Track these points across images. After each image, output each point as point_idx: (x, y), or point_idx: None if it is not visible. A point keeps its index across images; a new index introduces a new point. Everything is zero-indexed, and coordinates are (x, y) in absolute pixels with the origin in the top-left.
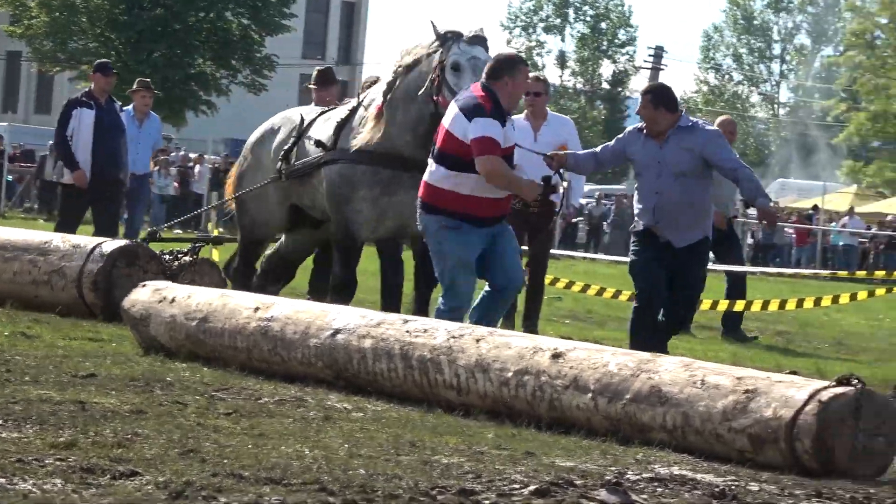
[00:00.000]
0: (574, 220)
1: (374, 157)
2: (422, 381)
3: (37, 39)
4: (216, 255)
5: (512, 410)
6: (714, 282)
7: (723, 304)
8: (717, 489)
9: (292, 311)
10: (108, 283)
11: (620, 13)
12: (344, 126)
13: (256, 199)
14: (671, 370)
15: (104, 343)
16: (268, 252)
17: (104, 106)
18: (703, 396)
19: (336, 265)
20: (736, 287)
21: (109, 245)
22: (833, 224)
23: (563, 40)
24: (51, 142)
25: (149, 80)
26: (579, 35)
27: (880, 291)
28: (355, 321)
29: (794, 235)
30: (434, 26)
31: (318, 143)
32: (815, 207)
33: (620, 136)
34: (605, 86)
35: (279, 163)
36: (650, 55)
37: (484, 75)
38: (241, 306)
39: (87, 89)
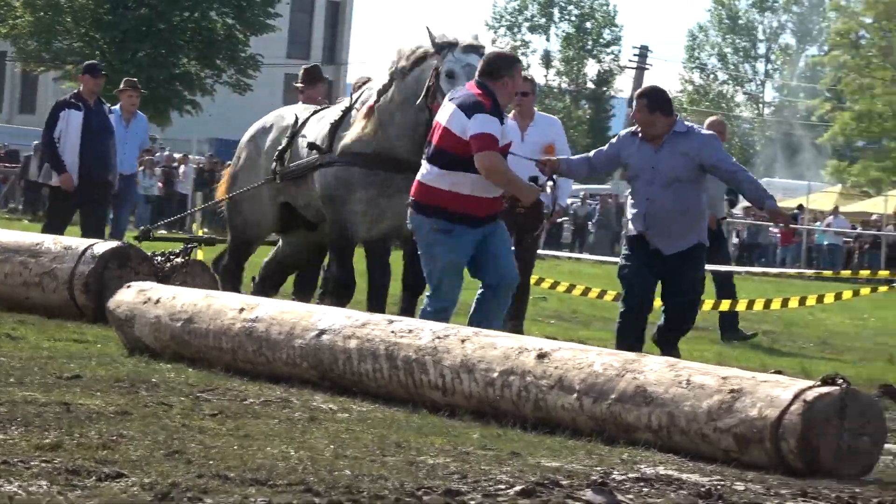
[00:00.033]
0: (559, 220)
1: (369, 160)
2: (407, 382)
3: (21, 39)
4: (200, 254)
5: (497, 411)
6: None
7: (707, 305)
8: (702, 489)
9: (277, 312)
10: (100, 285)
11: (605, 13)
12: (338, 128)
13: (250, 199)
14: (656, 370)
15: (89, 344)
16: (265, 259)
17: (93, 108)
18: (688, 396)
19: (333, 267)
20: (724, 287)
21: (101, 247)
22: (818, 223)
23: (547, 40)
24: (35, 142)
25: (135, 79)
26: (564, 35)
27: (865, 291)
28: (340, 322)
29: (778, 235)
30: (430, 32)
31: (313, 146)
32: (800, 207)
33: (614, 139)
34: (590, 85)
35: (273, 163)
36: (635, 55)
37: (480, 74)
38: (225, 307)
39: (75, 91)
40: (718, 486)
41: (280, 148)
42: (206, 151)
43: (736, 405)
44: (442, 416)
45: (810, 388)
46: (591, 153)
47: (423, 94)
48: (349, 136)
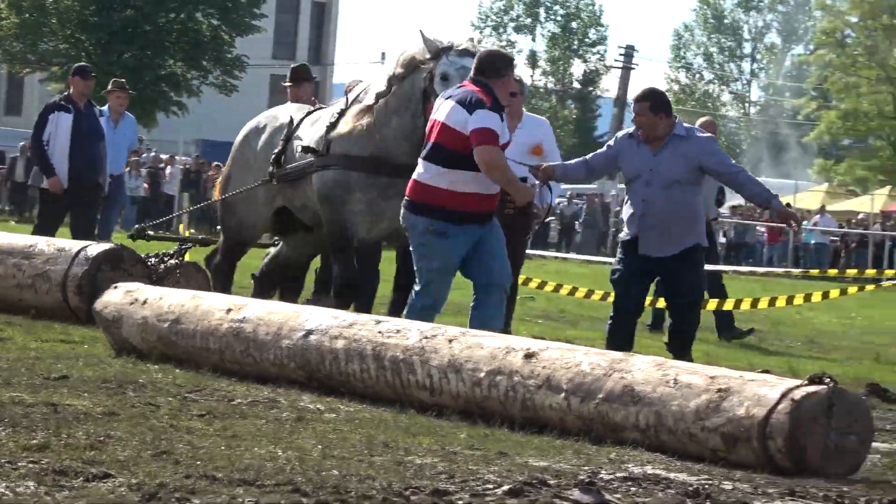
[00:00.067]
0: (546, 219)
1: (367, 164)
2: (394, 382)
3: (7, 41)
4: (188, 255)
5: (485, 411)
6: None
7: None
8: (690, 488)
9: (264, 313)
10: (93, 287)
11: (591, 12)
12: (333, 130)
13: (245, 201)
14: (644, 369)
15: (76, 345)
16: (268, 257)
17: (83, 110)
18: (675, 395)
19: (335, 268)
20: (714, 287)
21: (94, 248)
22: (805, 222)
23: (533, 40)
24: (21, 143)
25: (123, 80)
26: (550, 34)
27: (852, 290)
28: (327, 322)
29: (765, 234)
30: (423, 36)
31: (309, 149)
32: (787, 206)
33: (611, 141)
34: (576, 85)
35: (270, 166)
36: (621, 54)
37: (478, 72)
38: (213, 308)
39: (65, 93)
40: (706, 486)
41: (276, 151)
42: (193, 152)
43: (723, 404)
44: (429, 416)
45: (798, 387)
46: (589, 156)
47: (419, 97)
48: (341, 129)
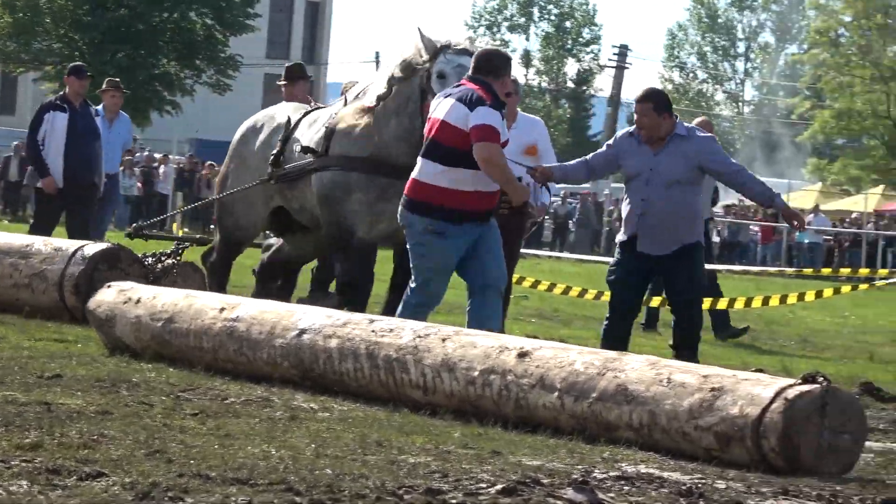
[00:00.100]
0: (540, 218)
1: (367, 164)
2: (388, 381)
3: (0, 40)
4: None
5: (478, 410)
6: None
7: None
8: (683, 487)
9: (258, 312)
10: (90, 287)
11: (585, 12)
12: (333, 131)
13: (242, 200)
14: (637, 368)
15: (70, 344)
16: (265, 255)
17: (79, 110)
18: (669, 395)
19: (338, 266)
20: (708, 286)
21: (91, 248)
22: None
23: (527, 39)
24: (15, 142)
25: (118, 79)
26: (544, 34)
27: (846, 289)
28: (321, 321)
29: (759, 233)
30: (421, 35)
31: (308, 150)
32: None
33: (611, 141)
34: (570, 84)
35: (268, 166)
36: (615, 54)
37: (477, 71)
38: (206, 307)
39: (61, 93)
40: (699, 485)
41: (275, 151)
42: (187, 152)
43: (717, 403)
44: (423, 415)
45: (791, 386)
46: (589, 156)
47: (417, 98)
48: (341, 129)
